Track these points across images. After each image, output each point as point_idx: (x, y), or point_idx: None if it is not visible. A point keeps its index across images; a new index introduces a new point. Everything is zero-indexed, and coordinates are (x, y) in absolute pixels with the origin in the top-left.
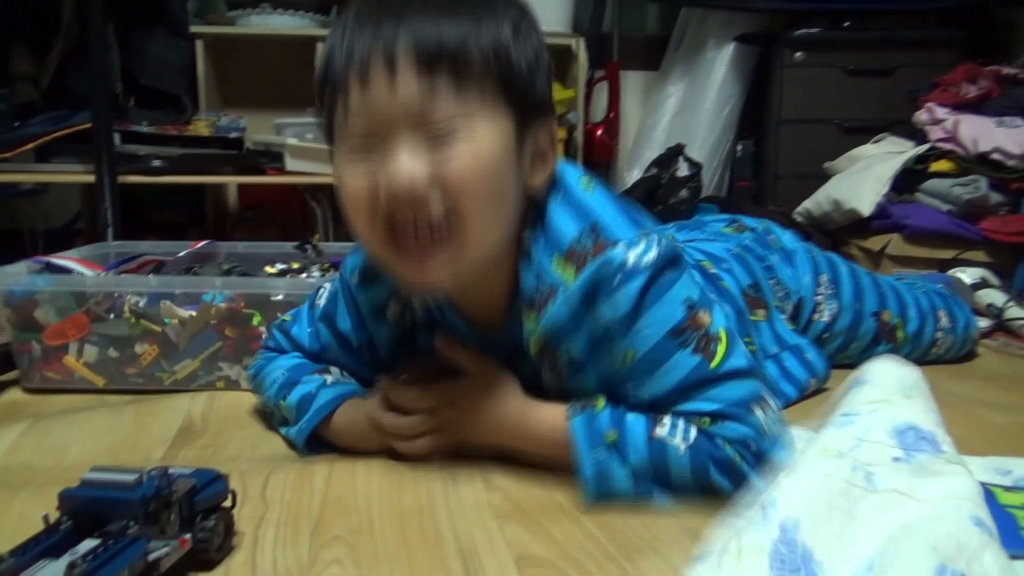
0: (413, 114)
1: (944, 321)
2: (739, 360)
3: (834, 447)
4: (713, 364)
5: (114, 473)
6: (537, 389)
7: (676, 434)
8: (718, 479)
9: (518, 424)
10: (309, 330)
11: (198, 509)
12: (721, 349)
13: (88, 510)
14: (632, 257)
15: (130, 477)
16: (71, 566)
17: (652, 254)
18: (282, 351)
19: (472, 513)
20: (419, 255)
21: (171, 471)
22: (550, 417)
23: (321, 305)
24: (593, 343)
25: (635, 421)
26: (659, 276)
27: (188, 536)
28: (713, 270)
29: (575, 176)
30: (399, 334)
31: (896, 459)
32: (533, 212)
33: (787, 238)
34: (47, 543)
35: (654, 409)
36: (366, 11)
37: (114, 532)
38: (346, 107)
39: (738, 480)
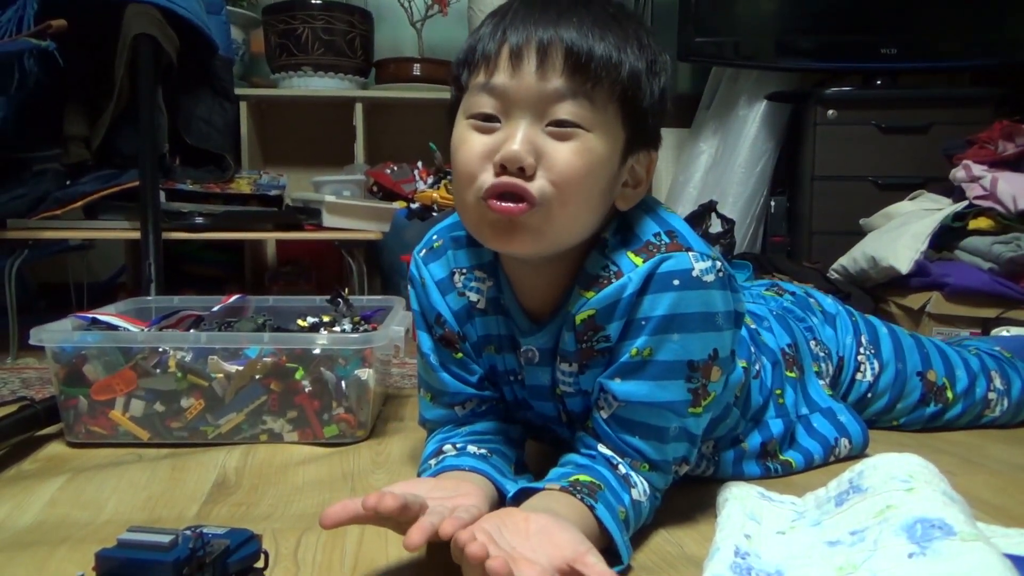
0: (546, 103)
1: (998, 382)
2: (702, 423)
3: (849, 563)
4: (692, 410)
5: (150, 534)
6: (545, 401)
7: (640, 492)
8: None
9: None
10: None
11: (231, 571)
12: (705, 404)
13: (124, 571)
14: (698, 269)
15: (165, 539)
16: None
17: (712, 276)
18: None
19: None
20: (509, 226)
21: (205, 531)
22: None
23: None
24: (621, 332)
25: (620, 488)
26: (710, 308)
27: None
28: (753, 326)
29: (658, 202)
30: (465, 310)
31: (912, 555)
32: (617, 219)
33: (828, 302)
34: None
35: (616, 419)
36: (527, 11)
37: None
38: (488, 77)
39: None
